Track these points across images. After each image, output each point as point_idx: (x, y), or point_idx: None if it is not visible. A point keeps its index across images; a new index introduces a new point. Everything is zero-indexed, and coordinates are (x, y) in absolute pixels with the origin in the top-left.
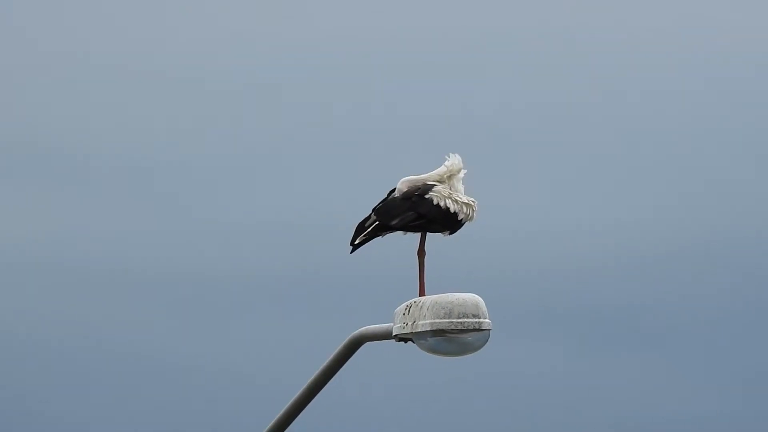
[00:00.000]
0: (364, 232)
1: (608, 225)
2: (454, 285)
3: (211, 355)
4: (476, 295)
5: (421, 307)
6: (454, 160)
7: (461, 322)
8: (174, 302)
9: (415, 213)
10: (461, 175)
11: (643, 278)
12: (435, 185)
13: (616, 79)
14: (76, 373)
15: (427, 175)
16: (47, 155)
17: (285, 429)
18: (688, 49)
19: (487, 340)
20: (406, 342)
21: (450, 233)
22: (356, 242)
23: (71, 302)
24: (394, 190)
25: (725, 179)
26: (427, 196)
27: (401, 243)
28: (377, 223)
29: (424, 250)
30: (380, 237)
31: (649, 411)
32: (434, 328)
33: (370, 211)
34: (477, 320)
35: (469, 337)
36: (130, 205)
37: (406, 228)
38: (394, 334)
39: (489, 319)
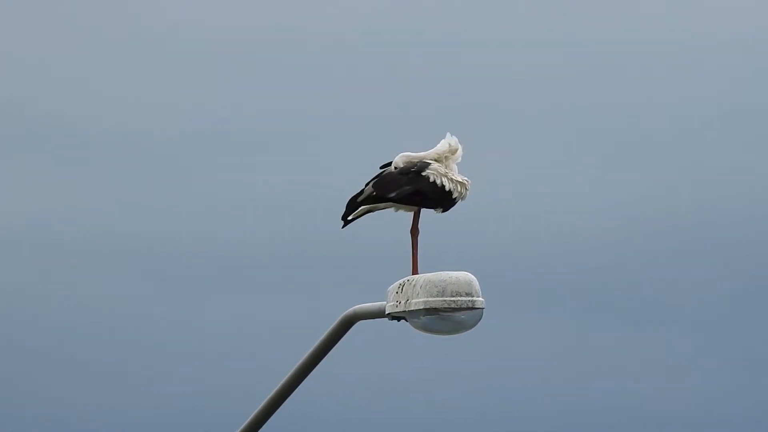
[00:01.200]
0: (358, 207)
1: (600, 202)
2: (447, 263)
3: (202, 333)
4: (469, 274)
5: (414, 285)
6: (452, 141)
7: (454, 301)
8: (164, 279)
9: (412, 188)
10: (457, 156)
11: (635, 255)
12: (431, 163)
13: (609, 55)
14: (65, 348)
15: (425, 153)
16: (42, 129)
17: (278, 407)
18: (682, 28)
19: (480, 319)
20: (399, 320)
21: (443, 211)
22: (349, 217)
23: (61, 277)
24: (386, 165)
25: (718, 157)
26: (423, 173)
27: (394, 221)
28: (373, 194)
29: (417, 229)
30: (372, 213)
31: (641, 387)
32: (427, 307)
33: (363, 186)
34: (470, 299)
35: (462, 316)
36: (122, 181)
37: (402, 201)
38: (387, 312)
39: (482, 297)
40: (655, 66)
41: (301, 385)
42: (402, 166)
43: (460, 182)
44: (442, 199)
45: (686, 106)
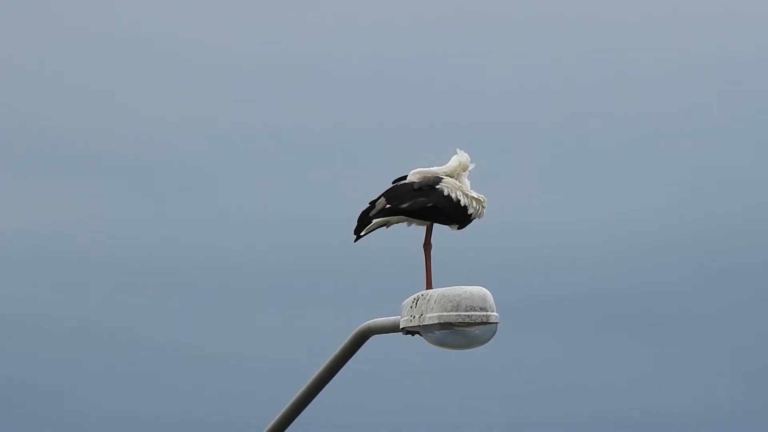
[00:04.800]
0: (370, 221)
1: (611, 216)
2: (461, 278)
3: (217, 347)
4: (484, 288)
5: (429, 300)
6: (463, 156)
7: (469, 315)
8: (178, 293)
9: (425, 200)
10: (468, 170)
11: (647, 269)
12: (444, 178)
13: (617, 68)
14: (81, 364)
15: (438, 168)
16: (51, 144)
17: (292, 421)
18: (690, 39)
19: (494, 333)
20: (413, 335)
21: (459, 228)
22: (362, 233)
23: (78, 293)
24: (399, 179)
25: (726, 169)
26: (437, 187)
27: (408, 235)
28: (386, 206)
29: (430, 243)
30: (386, 228)
31: (654, 401)
32: (442, 321)
33: (374, 200)
34: (485, 313)
35: (476, 330)
36: (134, 195)
37: (415, 213)
38: (401, 327)
39: (496, 312)
40: (654, 79)
41: (315, 398)
42: (416, 181)
43: (476, 198)
44: (457, 214)
45: (701, 115)
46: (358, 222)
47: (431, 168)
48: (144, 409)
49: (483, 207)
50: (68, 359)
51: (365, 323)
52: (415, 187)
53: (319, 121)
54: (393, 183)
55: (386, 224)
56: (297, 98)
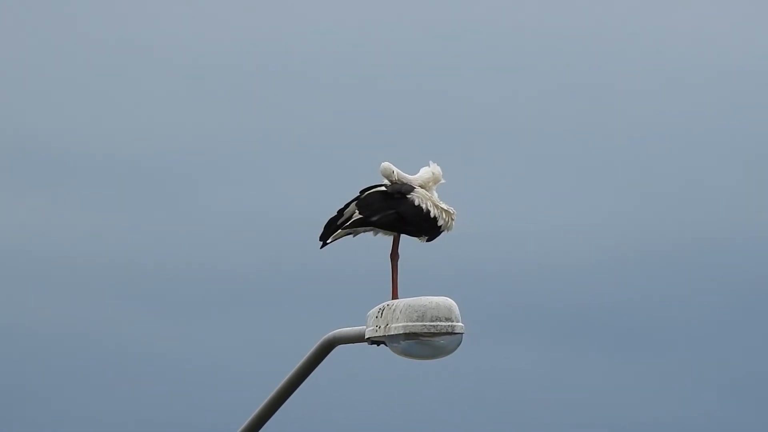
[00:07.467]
0: (339, 228)
1: (584, 225)
2: (427, 288)
3: (182, 356)
4: (449, 299)
5: (394, 310)
6: (436, 169)
7: (434, 326)
8: (144, 297)
9: (395, 212)
10: (439, 184)
11: (620, 278)
12: (416, 188)
13: (592, 75)
14: (54, 368)
15: (411, 177)
16: (29, 149)
17: (258, 431)
18: (664, 49)
19: (459, 344)
20: (378, 345)
21: (428, 240)
22: (328, 240)
23: (52, 297)
24: (366, 189)
25: (702, 179)
26: (408, 197)
27: (374, 245)
28: (356, 216)
29: (397, 253)
30: (351, 236)
31: (623, 411)
32: (407, 332)
33: (341, 208)
34: (450, 324)
35: (441, 341)
36: (104, 200)
37: (384, 226)
38: (366, 337)
39: (462, 322)
40: (629, 87)
41: (280, 409)
42: (388, 188)
43: (445, 210)
44: (426, 225)
45: (678, 124)
46: (324, 229)
47: (405, 174)
48: (105, 411)
49: (452, 219)
50: (47, 363)
51: (330, 333)
52: (390, 190)
53: (298, 126)
54: (361, 192)
55: (353, 233)
56: (273, 103)
